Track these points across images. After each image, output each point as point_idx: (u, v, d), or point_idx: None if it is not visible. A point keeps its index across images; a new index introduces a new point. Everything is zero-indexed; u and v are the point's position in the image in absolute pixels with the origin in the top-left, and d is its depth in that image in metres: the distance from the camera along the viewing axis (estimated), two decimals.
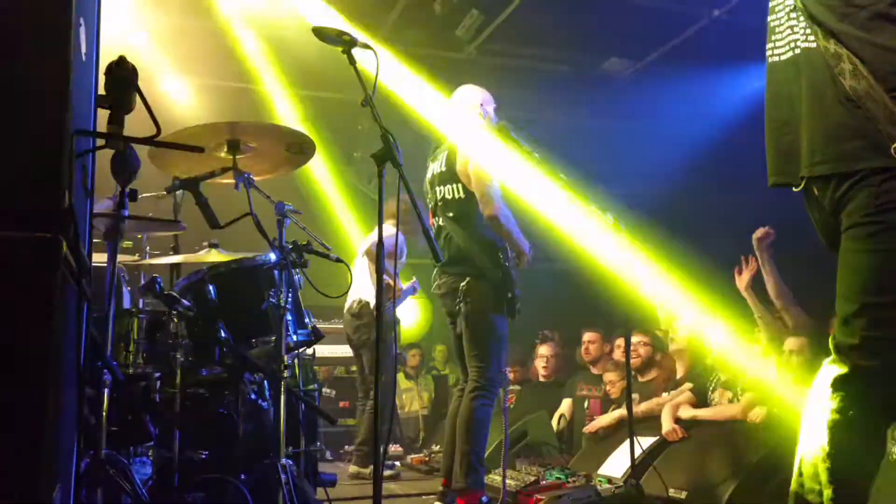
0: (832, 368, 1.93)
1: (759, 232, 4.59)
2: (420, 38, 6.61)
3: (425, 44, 6.69)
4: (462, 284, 3.74)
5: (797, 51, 2.04)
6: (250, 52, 6.50)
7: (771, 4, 2.16)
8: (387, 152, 2.78)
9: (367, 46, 2.92)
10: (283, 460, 2.78)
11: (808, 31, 1.99)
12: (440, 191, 3.93)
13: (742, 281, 4.64)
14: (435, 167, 4.01)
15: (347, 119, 7.32)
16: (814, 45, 1.97)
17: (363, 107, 2.87)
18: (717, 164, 6.69)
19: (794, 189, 2.05)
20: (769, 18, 2.16)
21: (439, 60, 6.80)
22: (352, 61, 2.90)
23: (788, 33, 2.07)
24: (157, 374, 3.05)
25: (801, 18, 2.02)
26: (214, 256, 3.37)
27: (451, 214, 3.86)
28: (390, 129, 2.82)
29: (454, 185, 3.85)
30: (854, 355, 1.88)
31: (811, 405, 1.97)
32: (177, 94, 6.66)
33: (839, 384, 1.90)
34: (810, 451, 1.93)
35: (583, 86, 7.22)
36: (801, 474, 1.95)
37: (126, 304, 3.71)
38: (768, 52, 2.15)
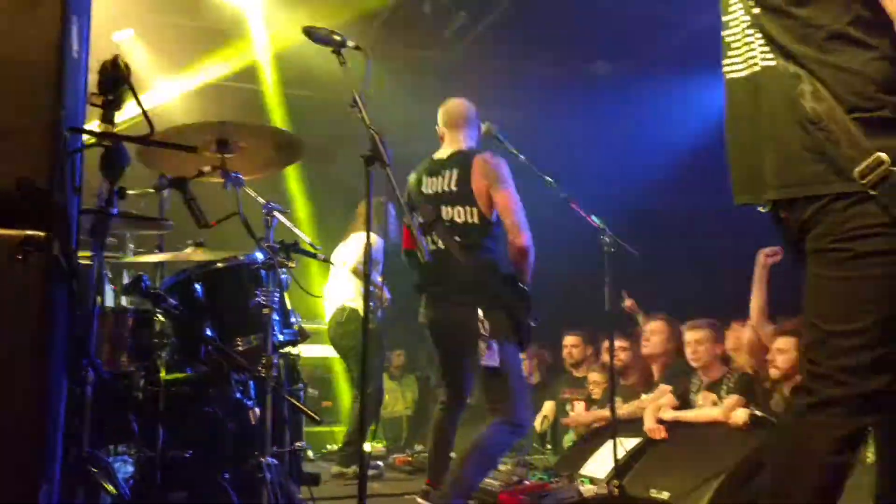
0: (803, 395, 1.91)
1: (769, 250, 4.59)
2: (408, 39, 6.62)
3: (413, 44, 6.71)
4: (481, 315, 3.44)
5: (756, 68, 2.00)
6: (238, 50, 6.48)
7: (724, 19, 2.11)
8: (376, 153, 2.78)
9: (357, 47, 2.93)
10: (268, 459, 2.79)
11: (767, 48, 1.95)
12: (446, 211, 3.61)
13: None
14: (437, 183, 3.69)
15: (334, 118, 7.30)
16: (773, 62, 1.94)
17: (351, 108, 2.87)
18: (701, 169, 6.74)
19: (760, 209, 2.03)
20: (723, 33, 2.11)
21: (427, 61, 6.83)
22: (341, 62, 2.91)
23: (745, 50, 2.03)
24: (141, 373, 3.04)
25: (759, 35, 1.97)
26: (200, 255, 3.35)
27: (458, 239, 3.56)
28: (378, 130, 2.83)
29: (468, 209, 3.57)
30: (821, 384, 1.86)
31: (783, 426, 1.97)
32: (163, 93, 6.63)
33: (809, 412, 1.88)
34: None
35: (569, 88, 7.26)
36: None
37: (109, 301, 3.69)
38: (725, 69, 2.10)
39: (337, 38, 2.91)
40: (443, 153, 3.81)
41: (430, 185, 3.72)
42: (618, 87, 7.15)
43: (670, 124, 7.00)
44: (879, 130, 1.79)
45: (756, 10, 1.97)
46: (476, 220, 3.56)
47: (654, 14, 6.19)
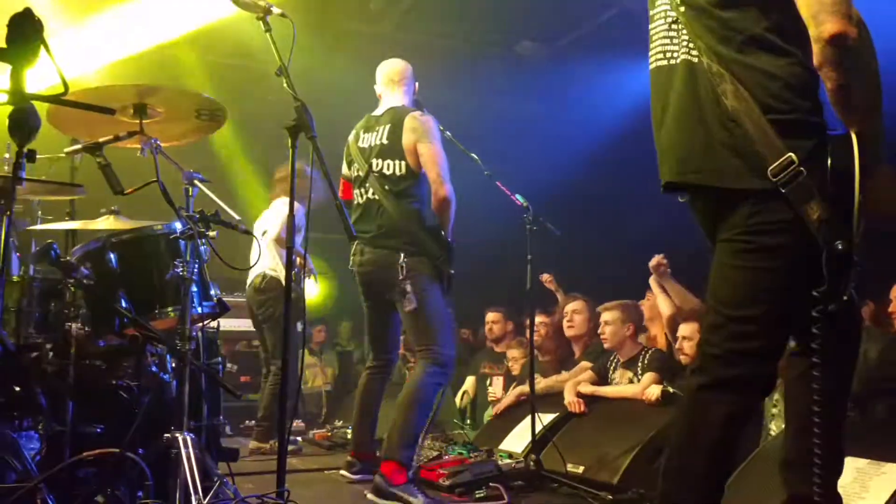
0: (698, 375, 2.02)
1: (653, 261, 4.73)
2: (334, 10, 6.51)
3: (338, 14, 6.59)
4: (401, 260, 3.63)
5: (673, 61, 2.07)
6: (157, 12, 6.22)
7: (651, 13, 2.19)
8: (301, 123, 2.74)
9: (283, 15, 2.86)
10: (185, 434, 2.72)
11: (690, 44, 2.03)
12: (377, 163, 3.80)
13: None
14: (371, 138, 3.88)
15: (256, 88, 7.14)
16: (696, 59, 2.01)
17: (277, 76, 2.82)
18: (626, 150, 6.86)
19: (680, 200, 2.13)
20: (650, 27, 2.19)
21: (353, 33, 6.73)
22: (267, 29, 2.84)
23: (666, 43, 2.11)
24: (50, 345, 2.92)
25: (684, 32, 2.05)
26: (115, 224, 3.23)
27: (387, 188, 3.76)
28: (303, 100, 2.78)
29: (396, 162, 3.76)
30: (716, 365, 1.97)
31: (680, 404, 2.06)
32: (76, 54, 6.31)
33: (703, 391, 1.99)
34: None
35: (495, 67, 7.28)
36: None
37: (15, 270, 3.54)
38: (650, 60, 2.19)
39: (262, 3, 2.85)
40: (379, 111, 3.99)
41: (365, 140, 3.92)
42: (544, 68, 7.20)
43: (597, 105, 7.10)
44: (791, 132, 1.89)
45: (682, 8, 2.05)
46: (403, 171, 3.76)
47: None
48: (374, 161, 3.81)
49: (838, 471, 2.14)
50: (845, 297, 1.86)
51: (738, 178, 1.93)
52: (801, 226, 1.86)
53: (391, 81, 3.99)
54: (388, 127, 3.82)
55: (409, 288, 3.60)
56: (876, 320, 4.58)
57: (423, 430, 3.73)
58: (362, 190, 3.86)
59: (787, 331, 1.99)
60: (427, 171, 3.73)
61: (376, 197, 3.78)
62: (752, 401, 2.03)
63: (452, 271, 3.73)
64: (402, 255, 3.64)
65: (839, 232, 1.83)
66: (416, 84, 4.05)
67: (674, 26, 2.09)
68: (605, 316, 4.75)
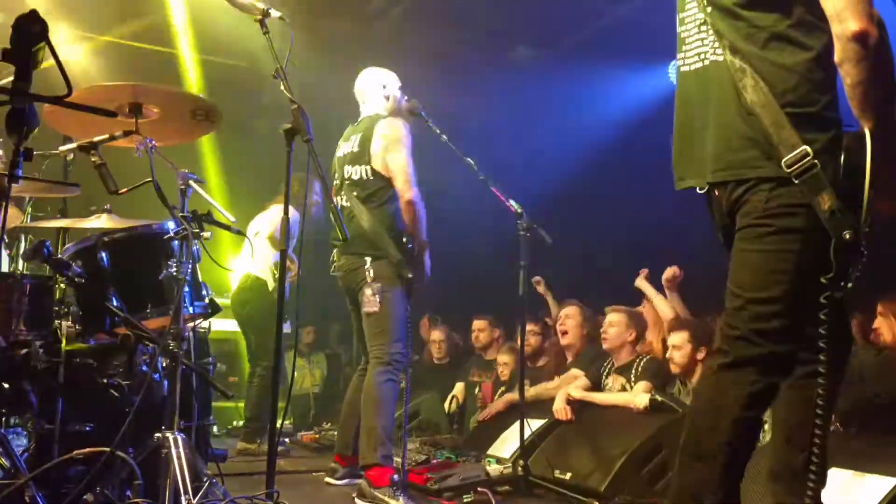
0: (719, 356, 2.07)
1: (668, 273, 4.75)
2: (330, 12, 6.52)
3: (335, 17, 6.61)
4: (367, 264, 3.78)
5: (706, 62, 2.15)
6: (153, 10, 6.22)
7: (680, 16, 2.26)
8: (297, 126, 2.74)
9: (281, 18, 2.87)
10: (175, 434, 2.72)
11: (717, 45, 2.11)
12: (348, 170, 3.95)
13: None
14: (346, 147, 4.02)
15: (251, 89, 7.13)
16: (721, 58, 2.09)
17: (274, 78, 2.82)
18: (620, 158, 6.89)
19: (698, 191, 2.17)
20: (679, 29, 2.26)
21: (349, 35, 6.74)
22: (265, 31, 2.85)
23: (698, 45, 2.18)
24: (40, 342, 2.91)
25: (710, 33, 2.13)
26: (107, 222, 3.23)
27: (356, 194, 3.89)
28: (300, 103, 2.78)
29: (365, 168, 3.89)
30: (737, 345, 2.03)
31: (700, 386, 2.10)
32: (70, 52, 6.30)
33: (724, 371, 2.04)
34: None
35: (490, 72, 7.30)
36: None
37: (4, 267, 3.53)
38: (679, 62, 2.26)
39: (260, 6, 2.85)
40: (357, 120, 4.14)
41: (342, 150, 4.08)
42: (539, 73, 7.23)
43: (592, 111, 7.13)
44: (808, 125, 1.97)
45: (709, 9, 2.13)
46: (370, 176, 3.89)
47: (576, 1, 6.29)
48: (346, 168, 3.97)
49: (823, 481, 2.17)
50: (850, 285, 1.95)
51: (753, 167, 2.01)
52: (814, 212, 1.94)
53: (363, 91, 4.13)
54: (361, 135, 3.95)
55: (367, 291, 3.76)
56: (862, 334, 4.61)
57: (392, 427, 3.78)
58: (338, 198, 3.99)
59: (805, 312, 2.04)
60: (394, 178, 3.85)
61: (349, 204, 3.91)
62: (774, 380, 2.07)
63: (411, 276, 3.82)
64: (369, 259, 3.79)
65: (848, 222, 1.91)
66: (399, 90, 4.11)
67: (703, 28, 2.16)
68: (612, 317, 4.72)
